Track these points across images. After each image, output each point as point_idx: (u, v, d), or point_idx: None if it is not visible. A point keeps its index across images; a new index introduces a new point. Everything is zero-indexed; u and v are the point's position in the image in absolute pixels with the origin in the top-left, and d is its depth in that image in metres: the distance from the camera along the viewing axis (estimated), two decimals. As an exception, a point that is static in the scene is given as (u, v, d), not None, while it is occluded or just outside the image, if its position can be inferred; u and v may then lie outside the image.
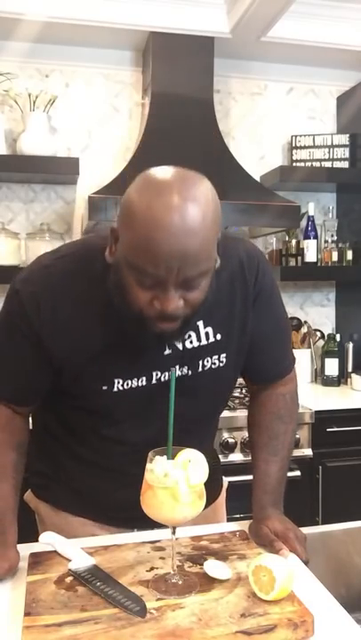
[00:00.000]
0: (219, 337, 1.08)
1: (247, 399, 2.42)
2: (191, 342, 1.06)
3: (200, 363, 1.08)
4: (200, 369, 1.08)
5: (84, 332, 1.02)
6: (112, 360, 1.03)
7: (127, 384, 1.05)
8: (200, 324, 1.06)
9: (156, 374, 1.06)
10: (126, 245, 0.89)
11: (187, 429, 0.94)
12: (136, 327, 0.94)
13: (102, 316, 1.01)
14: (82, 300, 1.01)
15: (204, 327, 1.07)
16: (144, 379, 1.06)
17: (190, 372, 1.08)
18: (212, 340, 1.08)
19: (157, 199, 0.85)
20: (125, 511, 1.05)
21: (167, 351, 1.05)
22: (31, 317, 1.00)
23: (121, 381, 1.04)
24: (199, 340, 1.07)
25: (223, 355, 1.10)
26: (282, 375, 1.21)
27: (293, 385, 1.24)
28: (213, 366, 1.10)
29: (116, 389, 1.05)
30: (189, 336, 1.06)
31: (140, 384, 1.05)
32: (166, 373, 1.06)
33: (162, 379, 1.06)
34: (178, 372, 1.06)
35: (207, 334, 1.07)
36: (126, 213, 0.88)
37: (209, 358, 1.09)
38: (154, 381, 1.06)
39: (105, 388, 1.04)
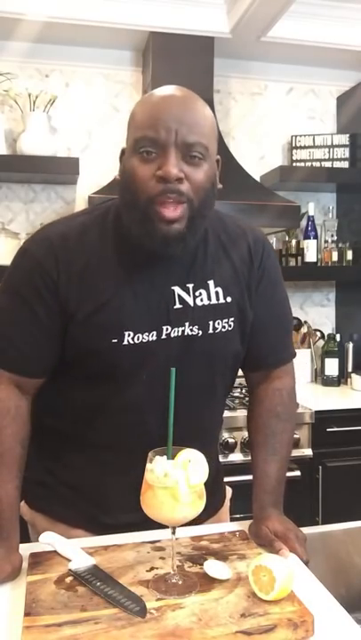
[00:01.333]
0: (229, 299, 1.10)
1: (247, 399, 2.43)
2: (202, 300, 1.08)
3: (210, 324, 1.09)
4: (210, 330, 1.09)
5: (97, 280, 1.04)
6: (122, 310, 1.04)
7: (137, 338, 1.04)
8: (210, 282, 1.09)
9: (167, 329, 1.06)
10: (131, 134, 1.00)
11: (192, 407, 0.92)
12: (143, 226, 0.98)
13: (113, 266, 1.05)
14: (94, 251, 1.05)
15: (215, 286, 1.09)
16: (154, 333, 1.05)
17: (200, 333, 1.08)
18: (222, 300, 1.09)
19: (162, 88, 1.02)
20: (125, 513, 1.05)
21: (177, 305, 1.06)
22: (50, 272, 1.02)
23: (132, 334, 1.04)
24: (209, 298, 1.08)
25: (231, 319, 1.11)
26: (277, 364, 1.21)
27: (290, 380, 1.23)
28: (223, 329, 1.10)
29: (125, 342, 1.04)
30: (200, 294, 1.08)
31: (150, 338, 1.05)
32: (177, 329, 1.06)
33: (172, 334, 1.06)
34: (188, 332, 1.07)
35: (217, 294, 1.09)
36: (130, 116, 1.02)
37: (220, 320, 1.09)
38: (163, 336, 1.06)
39: (115, 340, 1.04)
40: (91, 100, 2.82)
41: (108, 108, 2.84)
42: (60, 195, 2.80)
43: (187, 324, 1.07)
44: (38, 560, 0.99)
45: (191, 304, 1.07)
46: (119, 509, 1.11)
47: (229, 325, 1.11)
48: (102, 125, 2.83)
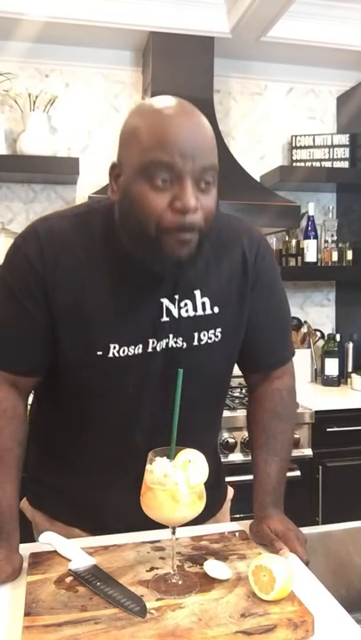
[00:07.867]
0: (216, 310, 1.07)
1: (247, 399, 2.43)
2: (187, 311, 1.05)
3: (195, 335, 1.06)
4: (195, 342, 1.06)
5: (84, 288, 1.01)
6: (109, 323, 1.02)
7: (123, 351, 1.03)
8: (197, 292, 1.05)
9: (152, 342, 1.04)
10: (136, 154, 0.90)
11: (182, 422, 0.91)
12: (153, 254, 0.93)
13: (101, 275, 1.01)
14: (82, 256, 1.01)
15: (201, 297, 1.05)
16: (140, 346, 1.04)
17: (185, 345, 1.06)
18: (208, 311, 1.06)
19: (161, 103, 0.91)
20: (123, 516, 1.05)
21: (164, 318, 1.04)
22: (36, 267, 1.00)
23: (117, 347, 1.02)
24: (195, 309, 1.05)
25: (219, 329, 1.08)
26: (277, 365, 1.20)
27: (290, 380, 1.22)
28: (209, 341, 1.08)
29: (111, 355, 1.02)
30: (185, 304, 1.05)
31: (135, 352, 1.04)
32: (162, 342, 1.04)
33: (157, 348, 1.04)
34: (171, 343, 1.05)
35: (204, 305, 1.06)
36: (129, 130, 0.93)
37: (205, 332, 1.07)
38: (149, 349, 1.04)
39: (100, 353, 1.02)
40: (91, 100, 2.82)
41: (107, 108, 2.84)
42: (60, 195, 2.80)
43: (170, 335, 1.04)
44: (38, 560, 0.99)
45: (176, 315, 1.04)
46: (112, 517, 1.12)
47: (216, 337, 1.08)
48: (102, 125, 2.83)
